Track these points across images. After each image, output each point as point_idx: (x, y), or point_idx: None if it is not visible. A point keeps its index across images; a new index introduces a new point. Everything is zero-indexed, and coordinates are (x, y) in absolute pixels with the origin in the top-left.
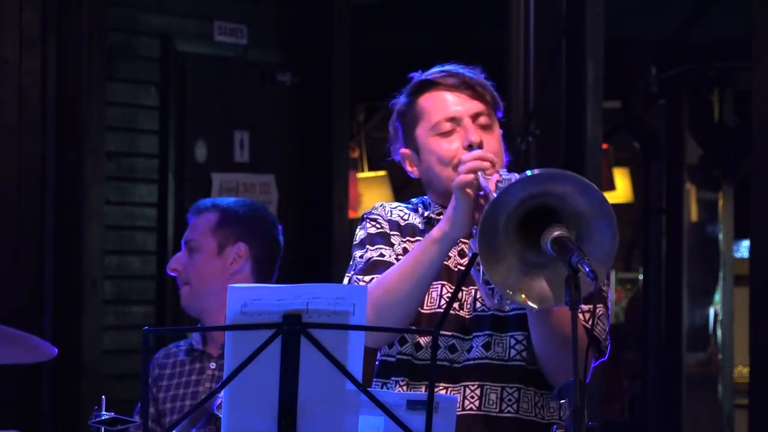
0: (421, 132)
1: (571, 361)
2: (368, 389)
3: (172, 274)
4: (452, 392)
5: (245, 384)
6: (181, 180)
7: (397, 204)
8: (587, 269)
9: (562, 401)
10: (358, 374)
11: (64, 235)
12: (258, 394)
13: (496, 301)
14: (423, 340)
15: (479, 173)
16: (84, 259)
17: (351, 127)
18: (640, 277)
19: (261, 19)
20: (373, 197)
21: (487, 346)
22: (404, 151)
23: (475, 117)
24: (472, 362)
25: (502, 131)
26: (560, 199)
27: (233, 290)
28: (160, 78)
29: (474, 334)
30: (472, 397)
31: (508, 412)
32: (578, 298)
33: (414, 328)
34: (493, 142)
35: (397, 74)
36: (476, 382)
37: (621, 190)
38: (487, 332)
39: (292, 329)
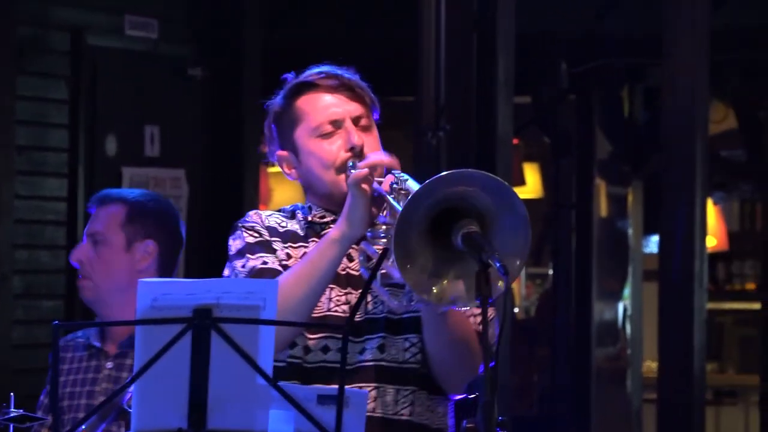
0: (301, 134)
1: (463, 366)
2: (279, 383)
3: (76, 264)
4: None
5: (155, 379)
6: (91, 174)
7: (270, 212)
8: (498, 264)
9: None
10: (269, 369)
11: None
12: (168, 389)
13: (404, 303)
14: (311, 343)
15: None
16: None
17: (262, 120)
18: (550, 272)
19: (172, 13)
20: (283, 192)
21: (381, 348)
22: (281, 153)
23: (356, 119)
24: (365, 363)
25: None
26: (472, 197)
27: (144, 284)
28: (70, 72)
29: (366, 336)
30: (369, 399)
31: (403, 414)
32: (489, 294)
33: (325, 324)
34: (373, 143)
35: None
36: (372, 384)
37: (531, 185)
38: (381, 334)
39: (202, 324)
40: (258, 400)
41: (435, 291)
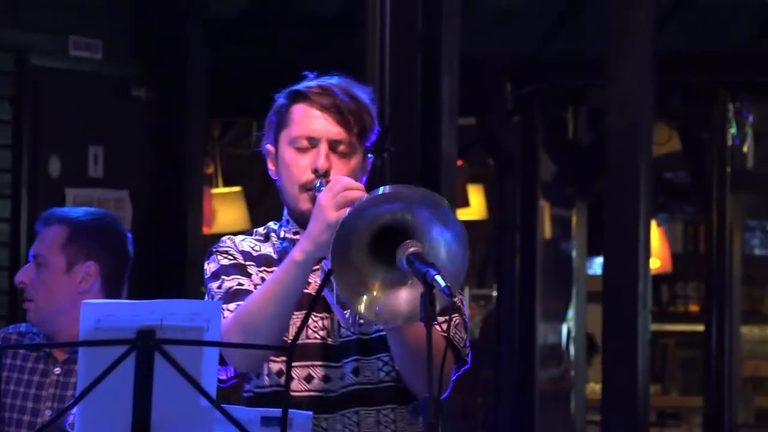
0: (283, 138)
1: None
2: (222, 405)
3: (20, 286)
4: (331, 422)
5: (98, 401)
6: (34, 195)
7: (243, 236)
8: (442, 285)
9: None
10: (213, 390)
11: None
12: (111, 412)
13: (350, 323)
14: (295, 372)
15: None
16: None
17: (206, 142)
18: (494, 293)
19: (116, 34)
20: (227, 213)
21: (356, 372)
22: (270, 148)
23: (334, 143)
24: (345, 389)
25: (370, 157)
26: (411, 215)
27: (87, 306)
28: (13, 92)
29: (343, 360)
30: (351, 425)
31: None
32: (433, 314)
33: (270, 345)
34: (343, 170)
35: (252, 89)
36: (352, 409)
37: (475, 206)
38: (354, 357)
39: (145, 345)
40: (202, 422)
41: (378, 310)
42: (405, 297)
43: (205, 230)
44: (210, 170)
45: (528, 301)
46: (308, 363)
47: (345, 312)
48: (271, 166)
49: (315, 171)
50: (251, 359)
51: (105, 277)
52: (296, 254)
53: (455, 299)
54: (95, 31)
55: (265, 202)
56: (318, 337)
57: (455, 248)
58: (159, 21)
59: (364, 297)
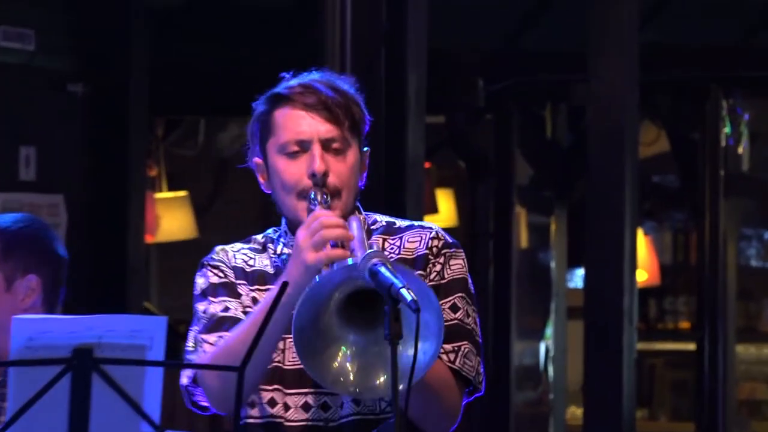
0: (271, 147)
1: (439, 407)
2: (166, 431)
3: None
4: None
5: (31, 425)
6: None
7: (240, 246)
8: (408, 299)
9: None
10: (155, 414)
11: None
12: None
13: None
14: (291, 401)
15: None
16: None
17: (149, 142)
18: None
19: (51, 24)
20: (172, 220)
21: (357, 401)
22: (258, 161)
23: (326, 142)
24: (345, 419)
25: (367, 149)
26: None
27: (18, 322)
28: None
29: None
30: None
31: None
32: (398, 332)
33: (219, 365)
34: (342, 169)
35: (199, 85)
36: None
37: (444, 213)
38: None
39: (82, 365)
40: None
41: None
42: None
43: (148, 239)
44: (153, 173)
45: (502, 317)
46: (305, 390)
47: None
48: (261, 179)
49: (312, 175)
50: (229, 402)
51: (45, 291)
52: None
53: (467, 320)
54: (27, 20)
55: (214, 208)
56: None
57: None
58: (98, 10)
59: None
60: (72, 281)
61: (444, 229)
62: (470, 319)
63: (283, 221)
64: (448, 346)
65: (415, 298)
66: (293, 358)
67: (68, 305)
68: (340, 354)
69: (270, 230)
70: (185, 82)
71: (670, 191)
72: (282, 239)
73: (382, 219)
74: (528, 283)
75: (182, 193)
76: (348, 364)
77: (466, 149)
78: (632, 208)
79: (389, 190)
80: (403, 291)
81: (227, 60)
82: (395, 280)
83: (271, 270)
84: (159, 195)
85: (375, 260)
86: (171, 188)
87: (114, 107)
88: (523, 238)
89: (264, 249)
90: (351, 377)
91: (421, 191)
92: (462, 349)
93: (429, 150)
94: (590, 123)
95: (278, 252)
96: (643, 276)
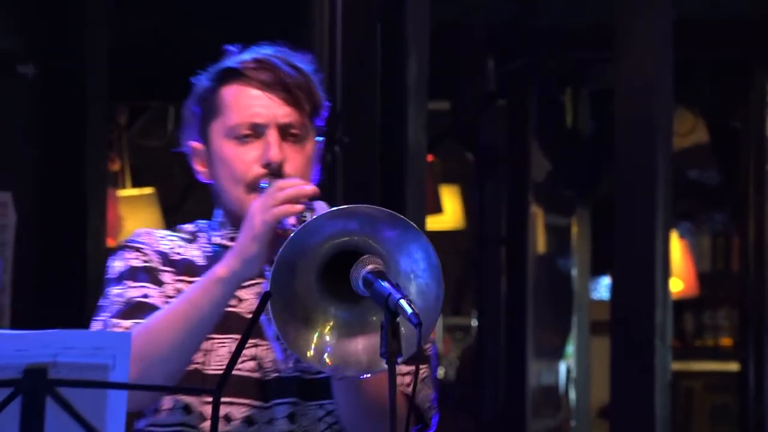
0: (216, 129)
1: (375, 429)
2: None
3: None
4: None
5: None
6: None
7: (167, 233)
8: (409, 312)
9: None
10: None
11: None
12: None
13: (290, 364)
14: (208, 410)
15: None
16: None
17: (110, 132)
18: (474, 323)
19: None
20: (137, 221)
21: (292, 417)
22: (196, 145)
23: (284, 128)
24: None
25: (321, 140)
26: (373, 239)
27: None
28: None
29: (274, 401)
30: None
31: None
32: (396, 349)
33: (192, 386)
34: (299, 160)
35: (166, 67)
36: None
37: (450, 213)
38: (291, 399)
39: (34, 387)
40: None
41: (327, 354)
42: (363, 342)
43: (110, 242)
44: (115, 167)
45: (516, 334)
46: (228, 399)
47: (283, 347)
48: (199, 167)
49: (267, 165)
50: (145, 397)
51: None
52: (219, 270)
53: (426, 346)
54: None
55: (185, 207)
56: (246, 369)
57: (427, 282)
58: None
59: (311, 340)
60: (23, 291)
61: (449, 233)
62: (428, 345)
63: (218, 213)
64: (404, 368)
65: (416, 311)
66: (218, 361)
67: (18, 319)
68: (319, 324)
69: (202, 220)
70: (150, 63)
71: (709, 188)
72: (215, 231)
73: None
74: (546, 294)
75: (149, 190)
76: (328, 337)
77: (474, 140)
78: (665, 207)
79: (386, 188)
80: (403, 303)
81: (198, 38)
82: (393, 290)
83: (201, 261)
84: (122, 192)
85: (371, 266)
86: (136, 184)
87: (69, 92)
88: (540, 243)
89: (194, 239)
90: (330, 353)
91: (422, 188)
92: (421, 373)
93: (432, 141)
94: (617, 109)
95: (213, 241)
96: (678, 286)
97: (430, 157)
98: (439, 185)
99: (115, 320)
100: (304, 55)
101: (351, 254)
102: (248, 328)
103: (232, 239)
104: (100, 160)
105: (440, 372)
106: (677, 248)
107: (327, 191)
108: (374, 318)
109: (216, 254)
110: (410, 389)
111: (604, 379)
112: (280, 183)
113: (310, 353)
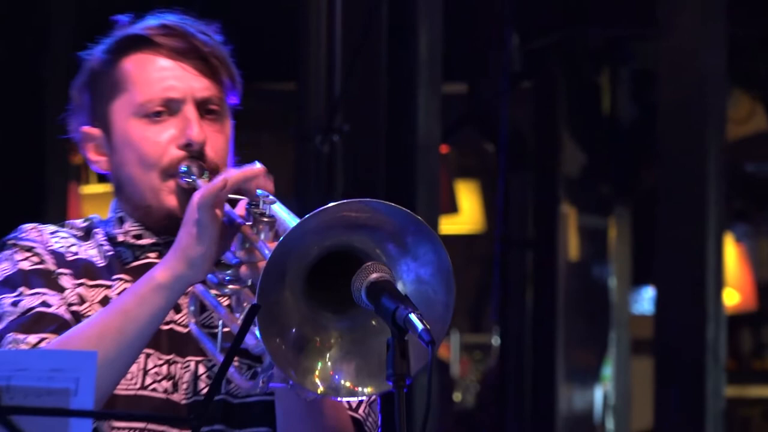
0: (120, 108)
1: None
2: None
3: None
4: None
5: None
6: None
7: (55, 228)
8: (420, 328)
9: None
10: None
11: None
12: None
13: (260, 383)
14: None
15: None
16: None
17: (69, 115)
18: (495, 341)
19: None
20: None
21: None
22: (89, 130)
23: (202, 103)
24: None
25: (233, 123)
26: (370, 238)
27: None
28: None
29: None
30: None
31: None
32: (405, 372)
33: (164, 415)
34: (220, 141)
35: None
36: None
37: (467, 213)
38: (215, 427)
39: None
40: None
41: (313, 370)
42: (350, 354)
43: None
44: (78, 160)
45: (545, 352)
46: (140, 426)
47: (244, 364)
48: (94, 156)
49: (187, 146)
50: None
51: None
52: (159, 274)
53: None
54: None
55: None
56: (161, 390)
57: (435, 289)
58: None
59: (295, 354)
60: None
61: (466, 237)
62: None
63: (114, 207)
64: None
65: (428, 326)
66: (128, 378)
67: None
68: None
69: (94, 215)
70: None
71: None
72: (115, 228)
73: None
74: (579, 307)
75: None
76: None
77: (495, 129)
78: (718, 207)
79: (392, 184)
80: (413, 317)
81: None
82: (401, 303)
83: (101, 261)
84: (85, 189)
85: (375, 275)
86: (101, 180)
87: (29, 74)
88: (573, 247)
89: (88, 236)
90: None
91: (435, 184)
92: (370, 397)
93: (447, 129)
94: (661, 93)
95: (116, 239)
96: (733, 298)
97: (444, 149)
98: (455, 181)
99: (14, 334)
100: (207, 23)
101: (344, 256)
102: (232, 347)
103: (138, 236)
104: (61, 152)
105: (456, 397)
106: (732, 254)
107: (323, 187)
108: (364, 330)
109: (119, 256)
110: (358, 413)
111: (646, 406)
112: (231, 172)
113: (293, 371)
